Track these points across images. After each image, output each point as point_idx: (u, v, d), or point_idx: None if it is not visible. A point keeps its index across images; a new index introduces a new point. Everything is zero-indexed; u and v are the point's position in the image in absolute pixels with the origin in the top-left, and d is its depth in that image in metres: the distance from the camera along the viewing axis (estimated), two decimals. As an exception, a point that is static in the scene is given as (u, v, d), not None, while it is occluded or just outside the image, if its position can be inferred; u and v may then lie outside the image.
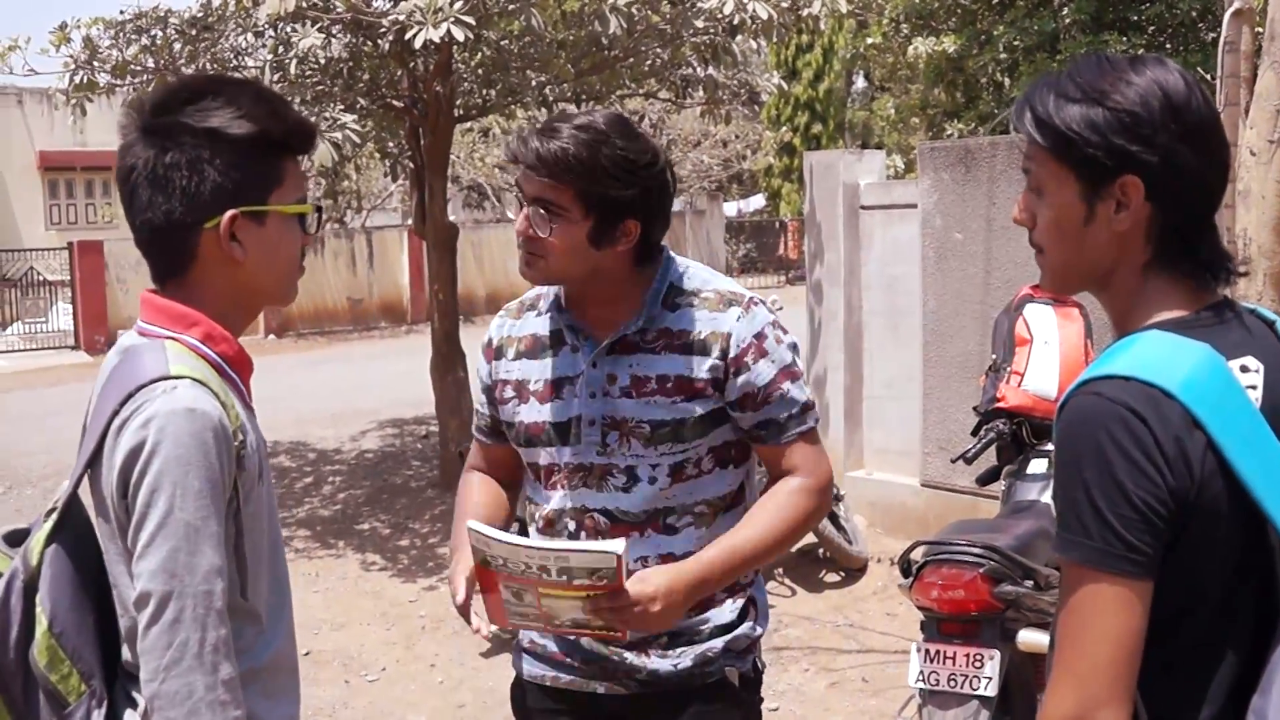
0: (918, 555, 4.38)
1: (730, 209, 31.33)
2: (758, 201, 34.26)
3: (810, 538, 6.94)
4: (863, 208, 8.43)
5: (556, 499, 2.70)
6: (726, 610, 2.70)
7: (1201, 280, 1.88)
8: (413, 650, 6.66)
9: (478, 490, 2.90)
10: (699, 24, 8.33)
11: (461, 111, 9.78)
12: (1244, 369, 1.81)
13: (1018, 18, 14.12)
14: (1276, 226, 4.52)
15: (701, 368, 2.60)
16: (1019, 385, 4.99)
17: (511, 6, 7.49)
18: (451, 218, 10.19)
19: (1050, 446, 4.84)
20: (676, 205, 26.74)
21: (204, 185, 2.04)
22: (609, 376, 2.64)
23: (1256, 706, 1.74)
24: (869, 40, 16.42)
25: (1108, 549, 1.71)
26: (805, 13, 8.43)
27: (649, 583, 2.45)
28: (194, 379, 1.99)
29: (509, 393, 2.77)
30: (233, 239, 2.07)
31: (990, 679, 4.04)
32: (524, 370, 2.76)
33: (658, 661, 2.67)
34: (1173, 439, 1.70)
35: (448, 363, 9.66)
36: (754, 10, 7.92)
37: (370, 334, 22.07)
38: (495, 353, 2.83)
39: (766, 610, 2.82)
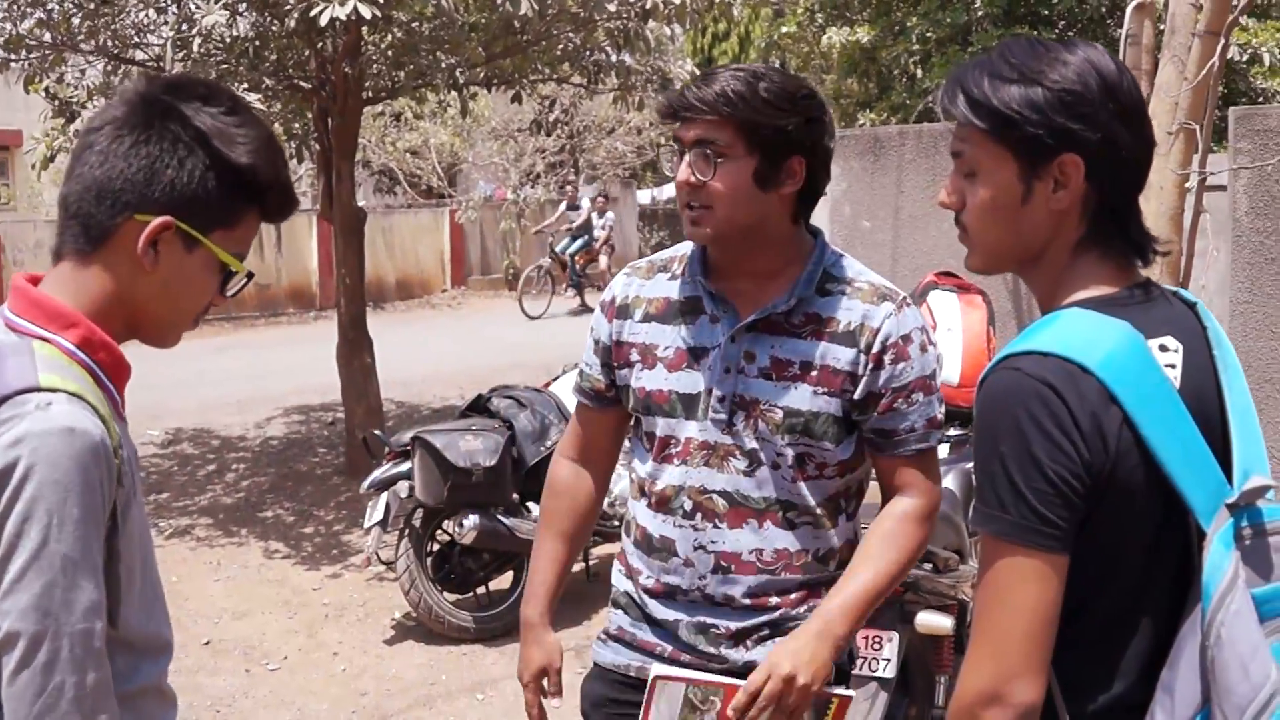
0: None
1: (644, 197, 31.25)
2: (671, 190, 34.11)
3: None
4: (773, 195, 8.37)
5: (674, 474, 2.61)
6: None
7: (1128, 259, 1.91)
8: (315, 638, 6.57)
9: (561, 516, 2.85)
10: (611, 8, 8.27)
11: (370, 94, 9.64)
12: (1163, 348, 1.82)
13: (931, 9, 14.25)
14: (1174, 217, 4.55)
15: (845, 359, 2.52)
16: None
17: (421, -14, 7.38)
18: (362, 203, 10.06)
19: (955, 432, 4.86)
20: (589, 192, 26.23)
21: (163, 179, 1.85)
22: (747, 354, 2.55)
23: (1165, 680, 1.76)
24: (784, 29, 16.44)
25: (1023, 522, 1.73)
26: (720, -1, 8.39)
27: (780, 667, 2.40)
28: (69, 392, 1.77)
29: (633, 356, 2.66)
30: (154, 246, 1.86)
31: (889, 661, 4.04)
32: (653, 334, 2.64)
33: (756, 652, 2.59)
34: (1089, 414, 1.72)
35: (354, 348, 9.55)
36: (668, -7, 7.88)
37: (278, 320, 21.77)
38: (619, 311, 2.71)
39: None
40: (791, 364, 2.53)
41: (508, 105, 22.90)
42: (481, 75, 9.65)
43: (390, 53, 9.20)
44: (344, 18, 6.79)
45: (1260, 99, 13.56)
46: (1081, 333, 1.77)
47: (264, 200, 1.97)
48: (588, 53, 9.58)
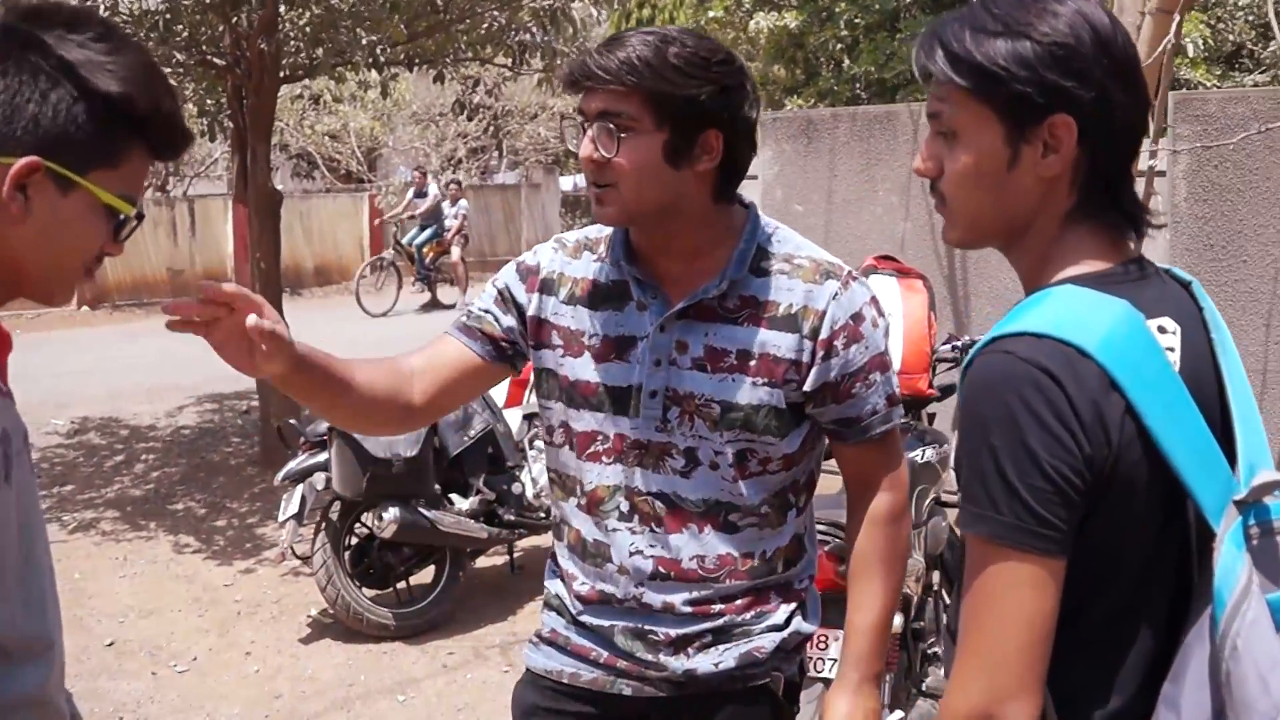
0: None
1: (566, 183, 31.05)
2: (595, 176, 33.95)
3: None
4: (703, 178, 8.22)
5: (607, 474, 2.39)
6: (780, 612, 2.45)
7: (1120, 233, 1.73)
8: (226, 638, 6.28)
9: (374, 367, 2.38)
10: (537, -16, 8.06)
11: (287, 72, 9.31)
12: (1161, 329, 1.64)
13: (860, -4, 14.18)
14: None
15: (788, 346, 2.30)
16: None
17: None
18: (280, 187, 9.78)
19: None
20: (511, 178, 25.73)
21: (25, 115, 1.61)
22: (679, 344, 2.32)
23: (1168, 694, 1.60)
24: (710, 14, 16.28)
25: (1018, 524, 1.55)
26: (646, -23, 8.17)
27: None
28: None
29: (554, 339, 2.42)
30: (21, 190, 1.62)
31: (835, 660, 3.84)
32: (578, 319, 2.41)
33: (698, 660, 2.40)
34: (1089, 402, 1.54)
35: (271, 334, 9.21)
36: (594, -29, 7.68)
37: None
38: (543, 285, 2.45)
39: (818, 608, 2.58)
40: (728, 353, 2.31)
41: (429, 89, 22.83)
42: (403, 55, 9.41)
43: (308, 29, 8.90)
44: (259, -11, 6.50)
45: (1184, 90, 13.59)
46: (1078, 312, 1.59)
47: (146, 133, 1.72)
48: (513, 32, 9.37)
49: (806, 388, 2.31)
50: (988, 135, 1.68)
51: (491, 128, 25.73)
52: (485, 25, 9.24)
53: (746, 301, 2.32)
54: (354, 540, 6.27)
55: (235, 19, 8.40)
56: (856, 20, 13.94)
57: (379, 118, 24.15)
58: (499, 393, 6.75)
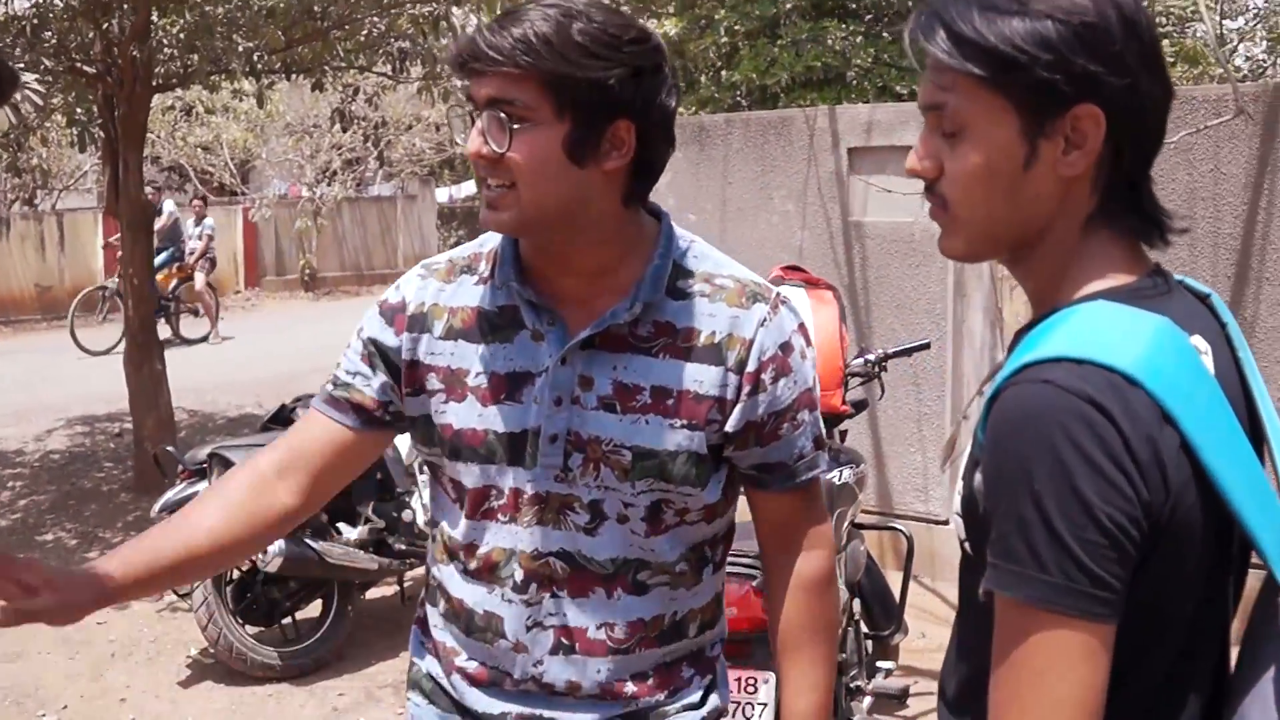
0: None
1: (442, 195, 30.72)
2: (470, 188, 33.65)
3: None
4: (594, 188, 8.03)
5: (499, 535, 2.05)
6: (694, 687, 2.16)
7: (1143, 239, 1.52)
8: (100, 682, 5.92)
9: (221, 497, 2.12)
10: (420, -11, 7.81)
11: (160, 80, 8.97)
12: (1198, 350, 1.43)
13: (739, 3, 14.11)
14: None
15: (711, 381, 1.99)
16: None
17: (214, -38, 6.78)
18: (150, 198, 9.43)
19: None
20: (387, 190, 25.10)
21: None
22: (582, 380, 1.99)
23: None
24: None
25: (1069, 584, 1.31)
26: (530, -18, 7.93)
27: None
28: None
29: (433, 382, 2.06)
30: None
31: (765, 705, 3.62)
32: (460, 355, 2.05)
33: None
34: (1144, 439, 1.32)
35: (144, 353, 8.98)
36: (478, -25, 7.44)
37: (61, 323, 20.68)
38: (412, 322, 2.09)
39: (726, 678, 2.28)
40: (640, 390, 1.99)
41: (303, 100, 22.39)
42: (280, 63, 9.11)
43: (182, 36, 8.56)
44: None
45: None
46: (1119, 333, 1.38)
47: None
48: (392, 40, 9.10)
49: (729, 428, 2.01)
50: (1001, 129, 1.45)
51: (369, 139, 25.32)
52: (364, 32, 8.97)
53: (662, 328, 2.00)
54: (236, 574, 5.92)
55: (106, 25, 8.05)
56: (736, 27, 13.85)
57: (252, 129, 23.65)
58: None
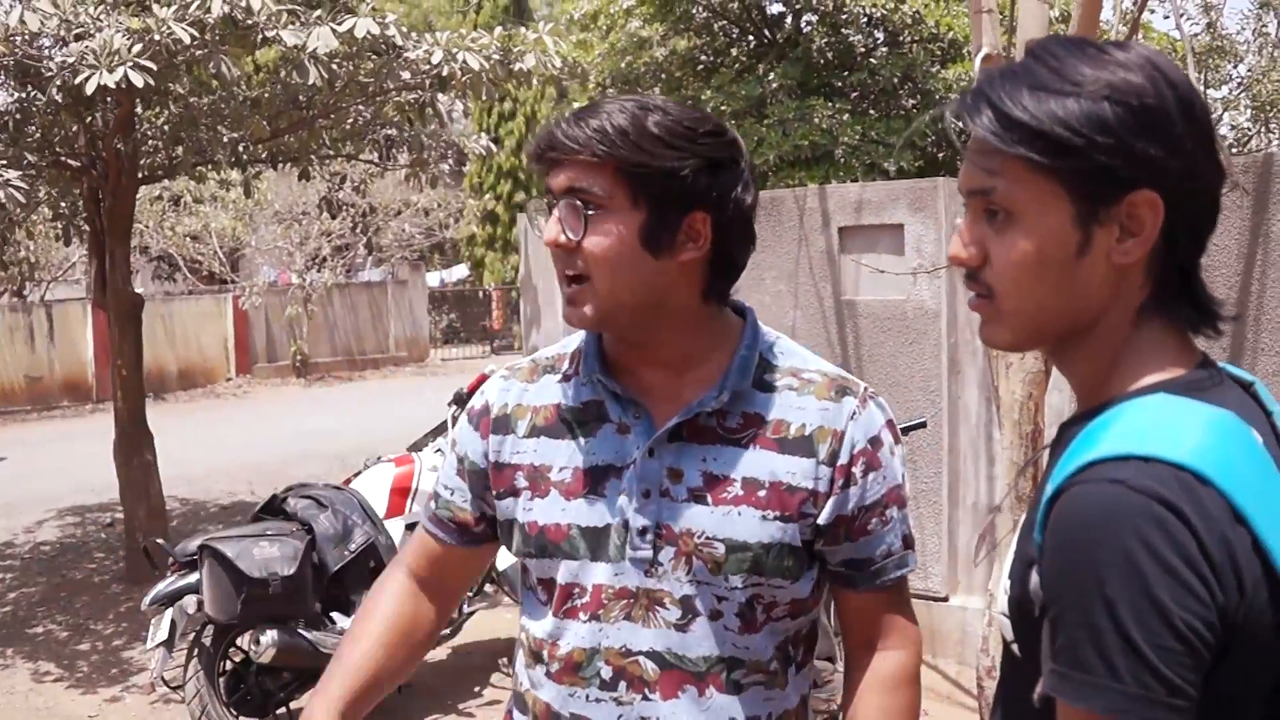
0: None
1: (433, 279, 30.83)
2: (461, 271, 33.85)
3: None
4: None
5: (583, 633, 1.99)
6: None
7: (1193, 329, 1.46)
8: (92, 777, 5.85)
9: (378, 622, 2.19)
10: (406, 76, 7.82)
11: (146, 172, 8.96)
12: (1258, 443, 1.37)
13: (724, 83, 14.24)
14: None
15: (803, 473, 1.94)
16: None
17: (199, 54, 6.80)
18: (141, 289, 9.42)
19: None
20: (376, 275, 25.24)
21: None
22: (671, 471, 1.94)
23: None
24: (575, 105, 16.21)
25: (1144, 694, 1.24)
26: (517, 67, 7.98)
27: None
28: None
29: (519, 481, 2.04)
30: None
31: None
32: (543, 452, 2.02)
33: None
34: (1219, 540, 1.25)
35: (134, 444, 8.89)
36: (464, 61, 7.48)
37: (51, 414, 20.65)
38: (496, 424, 2.09)
39: None
40: (731, 481, 1.94)
41: (291, 188, 22.50)
42: (265, 153, 9.13)
43: (167, 128, 8.57)
44: (113, 85, 6.19)
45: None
46: (1184, 429, 1.32)
47: None
48: (378, 127, 9.13)
49: (821, 520, 1.96)
50: (1053, 215, 1.40)
51: (358, 225, 25.43)
52: (350, 121, 8.99)
53: (751, 420, 1.96)
54: (229, 665, 5.85)
55: (90, 119, 8.07)
56: (723, 107, 13.90)
57: (241, 217, 23.74)
58: (380, 502, 6.43)
